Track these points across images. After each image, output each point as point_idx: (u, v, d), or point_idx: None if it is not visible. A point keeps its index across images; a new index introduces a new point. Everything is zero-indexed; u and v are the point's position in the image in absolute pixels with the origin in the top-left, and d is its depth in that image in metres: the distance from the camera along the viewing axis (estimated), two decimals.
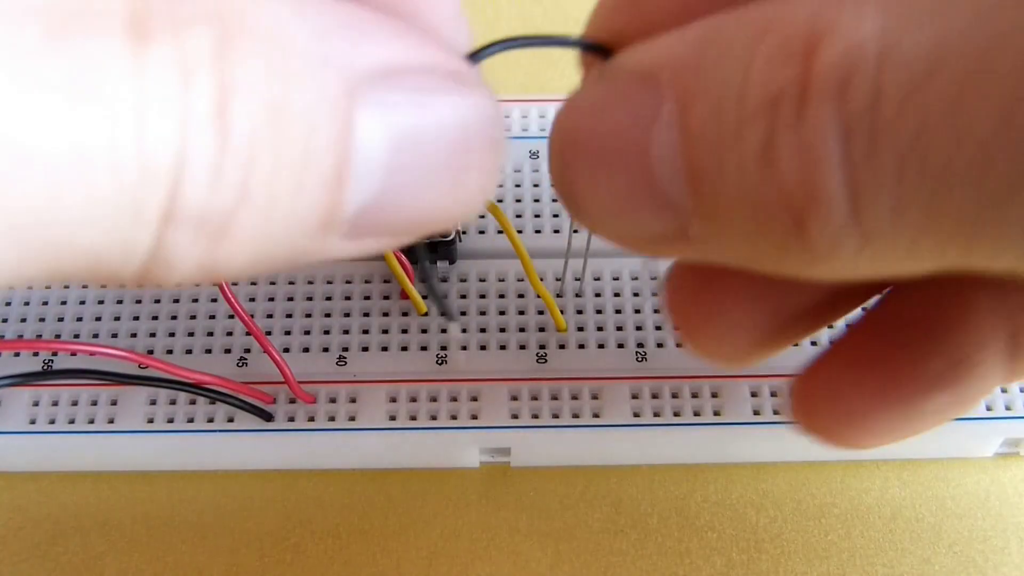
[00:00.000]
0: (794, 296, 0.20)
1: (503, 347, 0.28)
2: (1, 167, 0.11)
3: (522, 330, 0.28)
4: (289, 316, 0.28)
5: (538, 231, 0.29)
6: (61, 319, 0.28)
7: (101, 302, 0.28)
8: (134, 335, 0.28)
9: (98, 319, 0.28)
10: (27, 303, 0.28)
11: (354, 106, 0.14)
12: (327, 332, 0.28)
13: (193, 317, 0.28)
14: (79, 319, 0.28)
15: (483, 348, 0.27)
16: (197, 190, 0.12)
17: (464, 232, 0.29)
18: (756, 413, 0.27)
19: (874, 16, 0.13)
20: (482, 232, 0.29)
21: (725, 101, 0.14)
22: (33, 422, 0.26)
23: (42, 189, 0.11)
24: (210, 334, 0.28)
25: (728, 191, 0.15)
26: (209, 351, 0.28)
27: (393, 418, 0.27)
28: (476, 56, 0.16)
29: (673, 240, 0.16)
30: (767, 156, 0.14)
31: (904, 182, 0.13)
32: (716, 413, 0.27)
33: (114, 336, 0.28)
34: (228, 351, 0.28)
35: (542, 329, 0.28)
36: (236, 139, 0.13)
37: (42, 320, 0.28)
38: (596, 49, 0.17)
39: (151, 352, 0.28)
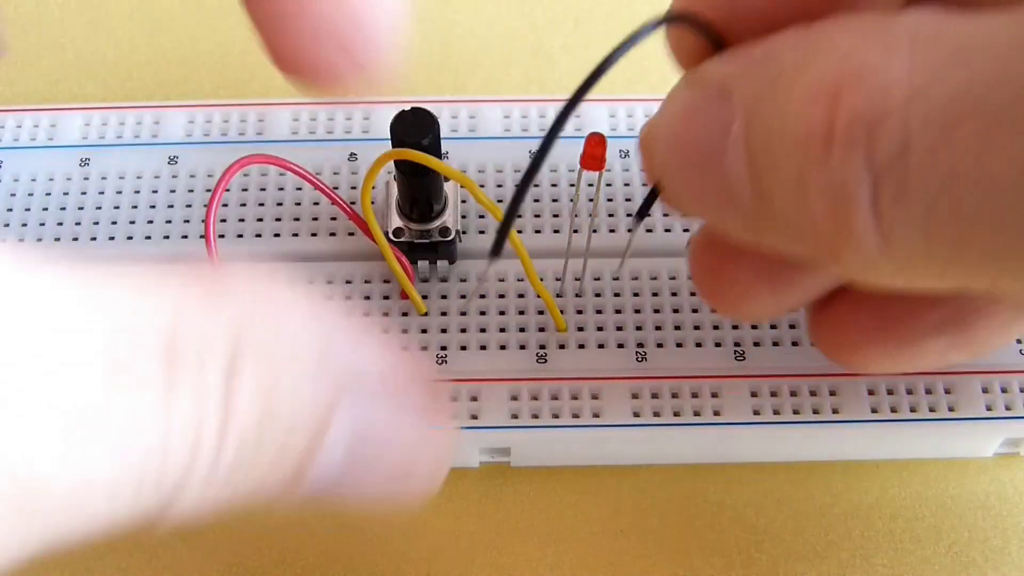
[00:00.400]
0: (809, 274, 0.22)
1: (503, 347, 0.28)
2: (64, 486, 0.14)
3: (522, 330, 0.28)
4: None
5: (538, 231, 0.29)
6: None
7: None
8: None
9: None
10: None
11: (333, 411, 0.17)
12: None
13: None
14: None
15: (483, 348, 0.28)
16: (193, 492, 0.15)
17: (464, 232, 0.29)
18: (756, 413, 0.27)
19: (902, 60, 0.14)
20: (482, 232, 0.29)
21: (772, 131, 0.16)
22: None
23: (68, 505, 0.14)
24: None
25: (778, 209, 0.17)
26: None
27: None
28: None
29: (744, 231, 0.18)
30: (800, 189, 0.16)
31: (933, 223, 0.14)
32: (716, 413, 0.27)
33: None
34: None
35: (542, 329, 0.28)
36: (230, 448, 0.15)
37: None
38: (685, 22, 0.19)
39: None
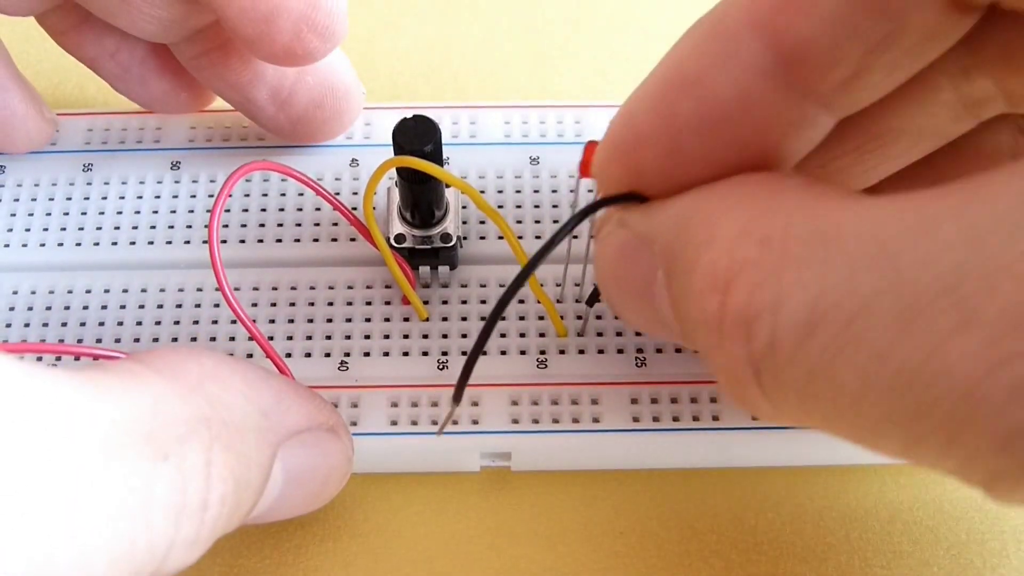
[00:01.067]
0: None
1: (503, 352, 0.28)
2: (70, 558, 0.16)
3: (522, 335, 0.28)
4: (291, 321, 0.28)
5: (538, 237, 0.30)
6: (64, 323, 0.28)
7: (105, 307, 0.29)
8: (137, 340, 0.28)
9: (101, 324, 0.28)
10: (31, 308, 0.29)
11: (275, 459, 0.21)
12: (329, 337, 0.28)
13: (196, 322, 0.28)
14: (82, 324, 0.28)
15: (484, 353, 0.28)
16: (179, 553, 0.18)
17: (465, 238, 0.29)
18: (754, 418, 0.27)
19: (774, 256, 0.17)
20: (483, 238, 0.29)
21: (685, 298, 0.19)
22: None
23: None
24: (213, 339, 0.28)
25: (699, 347, 0.19)
26: None
27: (394, 423, 0.27)
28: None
29: (679, 343, 0.22)
30: (708, 357, 0.18)
31: (805, 405, 0.17)
32: (715, 418, 0.27)
33: (117, 341, 0.28)
34: (230, 356, 0.28)
35: (542, 335, 0.28)
36: (210, 517, 0.19)
37: (45, 325, 0.28)
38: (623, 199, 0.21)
39: None
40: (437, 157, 0.26)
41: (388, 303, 0.29)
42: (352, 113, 0.30)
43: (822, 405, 0.16)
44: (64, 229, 0.30)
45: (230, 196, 0.30)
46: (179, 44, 0.28)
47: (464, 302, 0.29)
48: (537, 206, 0.30)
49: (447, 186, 0.28)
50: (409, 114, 0.26)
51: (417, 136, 0.25)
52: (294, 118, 0.29)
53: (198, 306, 0.29)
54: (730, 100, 0.19)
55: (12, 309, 0.29)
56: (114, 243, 0.30)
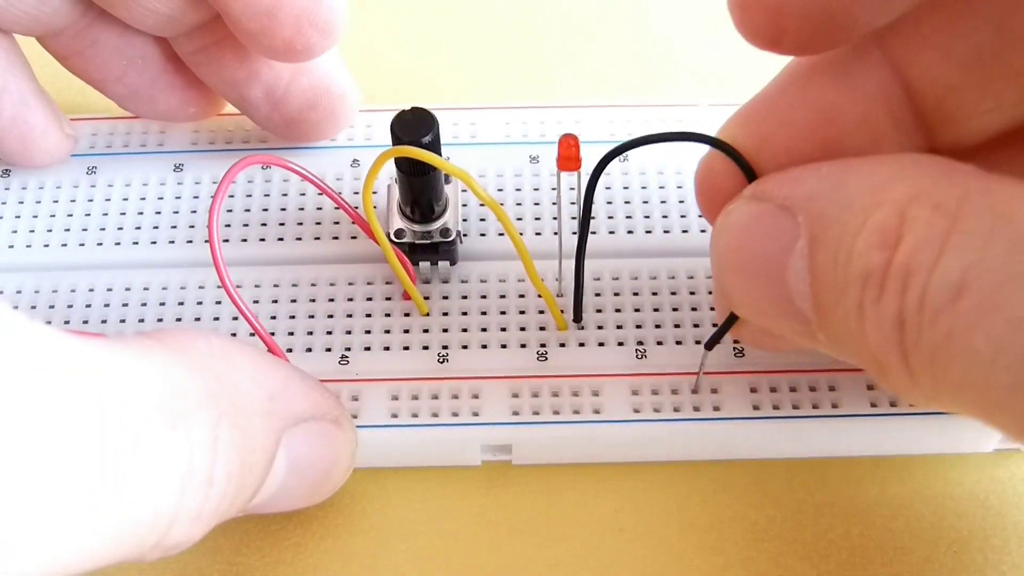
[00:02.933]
0: None
1: (504, 346, 0.28)
2: (77, 516, 0.16)
3: (523, 329, 0.28)
4: (293, 317, 0.28)
5: (538, 233, 0.30)
6: (67, 322, 0.29)
7: (107, 305, 0.29)
8: None
9: (104, 322, 0.29)
10: (34, 306, 0.29)
11: (279, 446, 0.21)
12: (330, 332, 0.28)
13: (198, 319, 0.28)
14: (85, 322, 0.29)
15: (484, 347, 0.28)
16: (182, 527, 0.19)
17: (465, 234, 0.29)
18: (755, 408, 0.27)
19: (943, 220, 0.17)
20: (483, 235, 0.30)
21: (839, 257, 0.18)
22: None
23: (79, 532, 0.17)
24: None
25: (838, 324, 0.19)
26: None
27: (395, 416, 0.27)
28: None
29: (803, 337, 0.20)
30: (859, 316, 0.18)
31: (938, 372, 0.17)
32: (716, 408, 0.27)
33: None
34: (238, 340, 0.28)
35: (542, 328, 0.28)
36: (215, 493, 0.19)
37: (49, 323, 0.28)
38: (734, 157, 0.22)
39: None
40: (435, 149, 0.26)
41: (389, 299, 0.29)
42: (346, 116, 0.31)
43: (955, 371, 0.17)
44: (68, 230, 0.30)
45: (231, 196, 0.30)
46: (178, 39, 0.29)
47: (464, 297, 0.29)
48: (537, 203, 0.30)
49: (447, 181, 0.28)
50: (408, 108, 0.26)
51: (415, 127, 0.26)
52: (288, 118, 0.30)
53: (200, 303, 0.29)
54: None
55: (16, 308, 0.29)
56: (117, 243, 0.30)
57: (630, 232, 0.30)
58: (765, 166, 0.22)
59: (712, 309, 0.28)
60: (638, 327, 0.28)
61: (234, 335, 0.28)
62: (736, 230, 0.21)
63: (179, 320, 0.28)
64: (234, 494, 0.20)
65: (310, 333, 0.28)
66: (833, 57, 0.22)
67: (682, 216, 0.30)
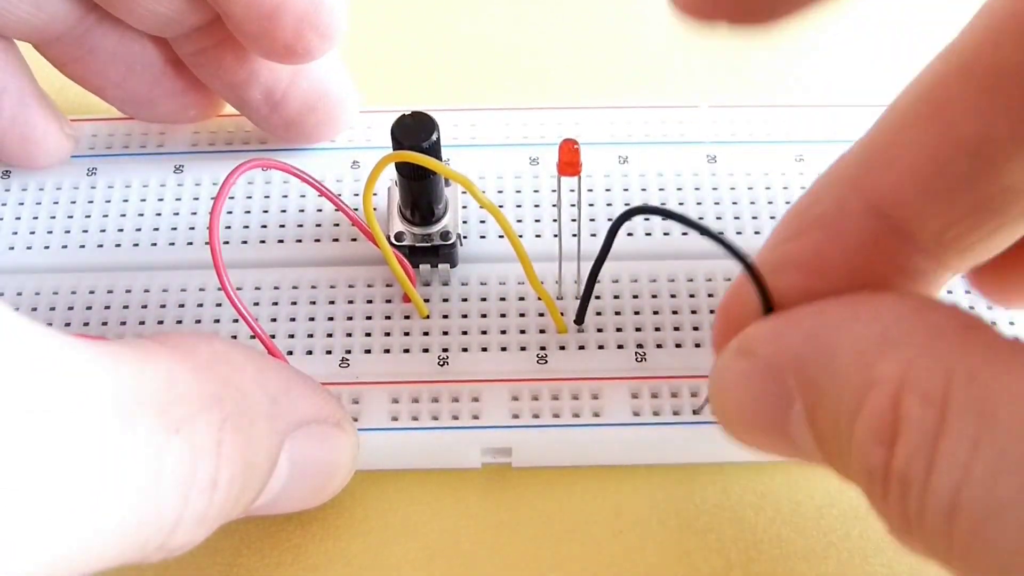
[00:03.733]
0: None
1: (504, 348, 0.28)
2: (81, 519, 0.17)
3: (523, 332, 0.28)
4: (293, 319, 0.28)
5: (538, 236, 0.30)
6: (68, 324, 0.29)
7: (107, 307, 0.29)
8: None
9: (104, 324, 0.29)
10: (34, 308, 0.29)
11: (282, 449, 0.22)
12: (330, 335, 0.28)
13: (198, 321, 0.29)
14: (86, 324, 0.29)
15: (484, 350, 0.28)
16: (185, 530, 0.19)
17: (465, 236, 0.29)
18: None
19: (931, 422, 0.17)
20: (483, 237, 0.30)
21: (840, 432, 0.18)
22: None
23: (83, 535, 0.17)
24: None
25: (849, 477, 0.19)
26: None
27: (395, 419, 0.27)
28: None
29: (811, 464, 0.21)
30: (870, 488, 0.18)
31: (938, 559, 0.18)
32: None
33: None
34: (241, 343, 0.28)
35: (542, 331, 0.28)
36: (219, 497, 0.19)
37: (49, 325, 0.28)
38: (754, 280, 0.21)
39: None
40: (435, 153, 0.26)
41: (389, 301, 0.29)
42: (345, 118, 0.31)
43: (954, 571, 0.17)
44: (68, 232, 0.30)
45: (231, 197, 0.30)
46: (178, 40, 0.29)
47: (464, 300, 0.29)
48: (537, 205, 0.30)
49: (447, 183, 0.28)
50: (408, 112, 0.26)
51: (415, 132, 0.26)
52: (287, 120, 0.30)
53: (200, 306, 0.29)
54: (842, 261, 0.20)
55: (17, 310, 0.29)
56: (117, 245, 0.30)
57: (630, 234, 0.30)
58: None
59: (712, 312, 0.28)
60: (638, 330, 0.28)
61: (234, 337, 0.28)
62: (730, 389, 0.21)
63: (180, 323, 0.29)
64: (237, 497, 0.20)
65: (310, 335, 0.28)
66: None
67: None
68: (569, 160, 0.24)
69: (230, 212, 0.30)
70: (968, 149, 0.19)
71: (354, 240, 0.30)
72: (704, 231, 0.21)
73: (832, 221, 0.20)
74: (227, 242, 0.30)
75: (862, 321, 0.19)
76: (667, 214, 0.21)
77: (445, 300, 0.29)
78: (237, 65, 0.29)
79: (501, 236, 0.29)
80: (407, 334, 0.28)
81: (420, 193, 0.27)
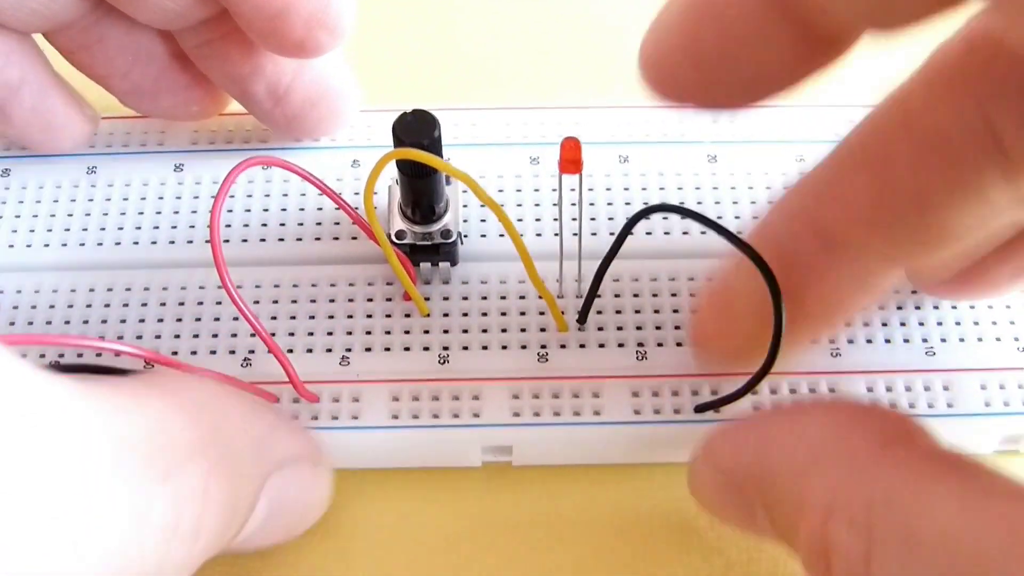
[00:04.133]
0: None
1: (505, 347, 0.28)
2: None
3: (523, 330, 0.28)
4: (293, 318, 0.28)
5: (539, 235, 0.30)
6: (68, 322, 0.29)
7: (108, 305, 0.29)
8: (140, 337, 0.28)
9: (104, 322, 0.29)
10: (35, 307, 0.29)
11: (263, 489, 0.22)
12: (331, 333, 0.28)
13: (199, 319, 0.28)
14: (86, 322, 0.28)
15: (485, 348, 0.28)
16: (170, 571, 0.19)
17: (466, 235, 0.29)
18: (756, 410, 0.27)
19: (858, 551, 0.18)
20: (484, 235, 0.30)
21: (792, 544, 0.21)
22: None
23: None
24: (215, 336, 0.28)
25: None
26: (214, 352, 0.28)
27: (396, 417, 0.27)
28: None
29: None
30: None
31: None
32: (716, 411, 0.27)
33: (120, 338, 0.28)
34: (233, 352, 0.28)
35: (543, 329, 0.28)
36: (201, 545, 0.19)
37: (49, 324, 0.28)
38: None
39: (157, 351, 0.28)
40: (436, 151, 0.26)
41: (389, 299, 0.29)
42: (347, 114, 0.31)
43: None
44: (68, 230, 0.30)
45: (232, 196, 0.30)
46: (183, 33, 0.29)
47: (465, 298, 0.29)
48: (538, 204, 0.30)
49: (448, 182, 0.28)
50: (409, 110, 0.26)
51: (416, 129, 0.26)
52: (290, 115, 0.30)
53: (201, 304, 0.29)
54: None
55: (16, 308, 0.29)
56: (117, 243, 0.30)
57: (631, 233, 0.29)
58: None
59: None
60: (638, 328, 0.28)
61: (235, 336, 0.28)
62: (705, 493, 0.24)
63: (179, 321, 0.28)
64: (216, 541, 0.20)
65: (311, 334, 0.28)
66: None
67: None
68: (571, 158, 0.24)
69: (230, 210, 0.30)
70: (907, 197, 0.21)
71: (354, 238, 0.30)
72: (723, 231, 0.21)
73: (784, 246, 0.23)
74: (227, 240, 0.30)
75: (795, 438, 0.21)
76: (685, 212, 0.22)
77: (446, 298, 0.29)
78: (242, 59, 0.29)
79: (502, 235, 0.29)
80: (408, 332, 0.28)
81: (421, 191, 0.27)
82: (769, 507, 0.21)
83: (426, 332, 0.28)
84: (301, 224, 0.30)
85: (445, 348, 0.28)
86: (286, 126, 0.30)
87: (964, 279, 0.26)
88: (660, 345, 0.28)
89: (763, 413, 0.23)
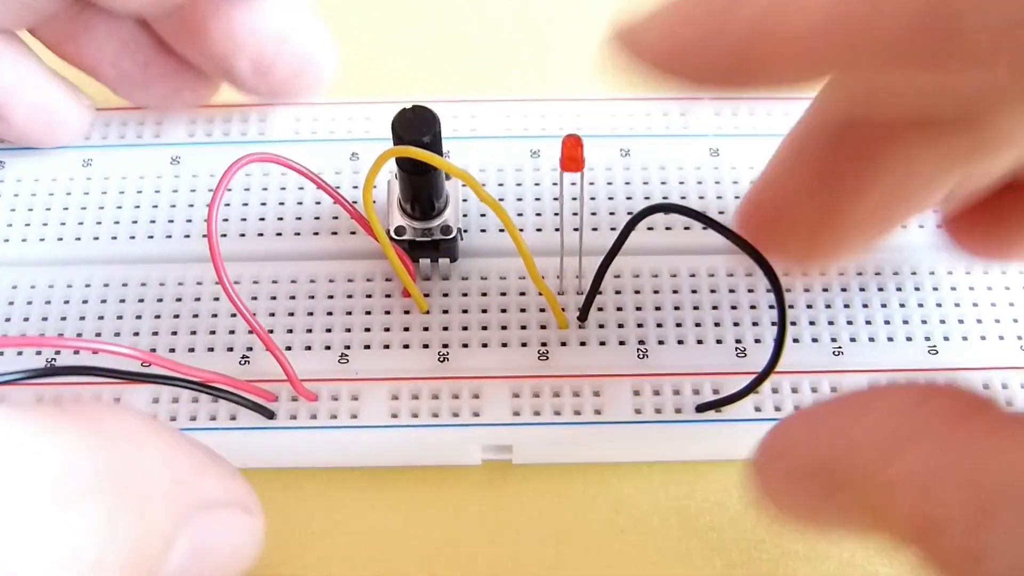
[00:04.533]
0: None
1: (505, 344, 0.28)
2: None
3: (524, 327, 0.28)
4: (291, 315, 0.28)
5: (539, 229, 0.29)
6: (64, 318, 0.28)
7: (104, 301, 0.28)
8: (137, 334, 0.28)
9: (101, 318, 0.28)
10: (30, 302, 0.29)
11: (181, 531, 0.20)
12: (329, 330, 0.28)
13: (196, 316, 0.28)
14: (82, 318, 0.28)
15: (485, 346, 0.28)
16: None
17: (466, 230, 0.29)
18: (757, 410, 0.27)
19: (976, 510, 0.17)
20: (483, 231, 0.29)
21: (875, 523, 0.19)
22: None
23: None
24: (213, 332, 0.28)
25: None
26: (212, 349, 0.28)
27: (395, 416, 0.27)
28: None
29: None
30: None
31: None
32: (718, 410, 0.27)
33: (117, 335, 0.28)
34: (231, 349, 0.28)
35: (543, 327, 0.28)
36: None
37: (45, 319, 0.28)
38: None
39: (154, 350, 0.28)
40: (436, 147, 0.26)
41: (388, 296, 0.28)
42: (329, 78, 0.31)
43: None
44: (63, 224, 0.30)
45: (229, 190, 0.30)
46: (158, 20, 0.28)
47: (465, 295, 0.28)
48: (538, 199, 0.30)
49: (447, 178, 0.28)
50: (409, 106, 0.26)
51: (416, 126, 0.25)
52: (275, 86, 0.30)
53: (198, 300, 0.28)
54: None
55: (12, 304, 0.29)
56: (114, 237, 0.30)
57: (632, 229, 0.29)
58: None
59: (716, 308, 0.28)
60: (640, 326, 0.28)
61: (232, 333, 0.28)
62: (772, 488, 0.22)
63: (176, 317, 0.28)
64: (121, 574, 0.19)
65: (308, 330, 0.28)
66: None
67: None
68: (572, 155, 0.24)
69: (228, 204, 0.30)
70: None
71: (353, 233, 0.29)
72: (725, 231, 0.21)
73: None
74: (224, 235, 0.29)
75: (874, 421, 0.20)
76: (686, 212, 0.22)
77: (445, 295, 0.28)
78: (222, 39, 0.28)
79: (502, 230, 0.29)
80: (407, 329, 0.28)
81: (420, 187, 0.27)
82: (850, 492, 0.20)
83: (425, 329, 0.28)
84: (299, 219, 0.30)
85: (445, 346, 0.28)
86: (271, 96, 0.31)
87: (995, 231, 0.26)
88: (661, 343, 0.28)
89: (833, 400, 0.22)
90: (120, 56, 0.29)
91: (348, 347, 0.28)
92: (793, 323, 0.28)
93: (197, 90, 0.31)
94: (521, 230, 0.29)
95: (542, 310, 0.28)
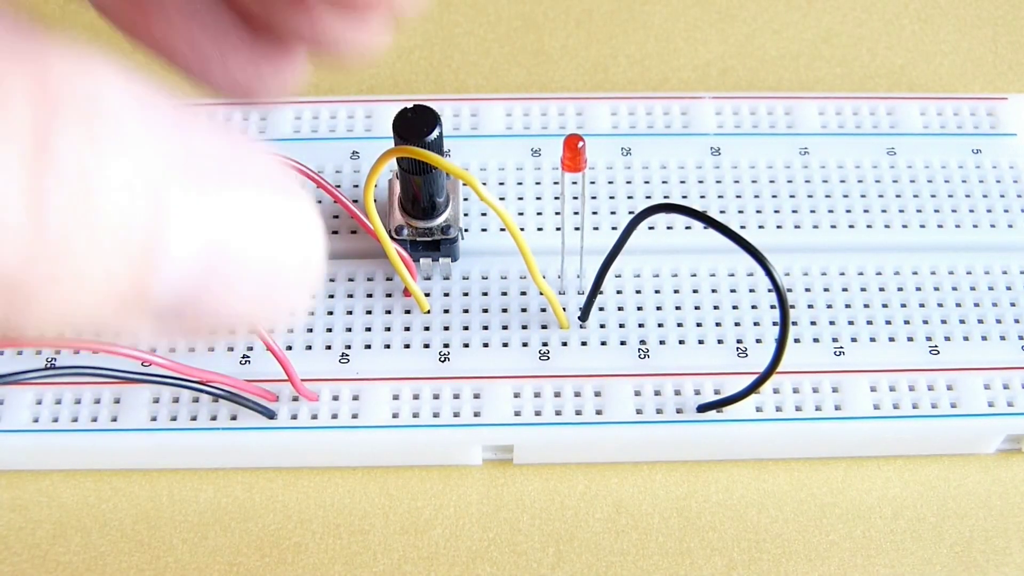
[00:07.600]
0: None
1: (505, 344, 0.28)
2: None
3: (525, 327, 0.28)
4: (291, 315, 0.28)
5: (540, 228, 0.29)
6: None
7: None
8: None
9: None
10: None
11: (169, 191, 0.13)
12: (330, 330, 0.28)
13: None
14: None
15: (486, 345, 0.28)
16: (4, 259, 0.12)
17: (467, 230, 0.29)
18: (758, 410, 0.27)
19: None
20: (484, 230, 0.29)
21: None
22: (36, 420, 0.26)
23: None
24: (211, 332, 0.28)
25: None
26: (212, 349, 0.28)
27: (396, 416, 0.27)
28: None
29: None
30: None
31: None
32: (719, 411, 0.27)
33: (116, 335, 0.28)
34: (231, 349, 0.28)
35: (545, 327, 0.28)
36: (47, 215, 0.12)
37: None
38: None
39: (154, 350, 0.28)
40: (437, 147, 0.25)
41: (389, 295, 0.28)
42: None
43: None
44: None
45: None
46: None
47: (466, 294, 0.28)
48: (539, 198, 0.30)
49: (448, 177, 0.28)
50: (410, 106, 0.26)
51: (417, 126, 0.25)
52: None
53: None
54: None
55: None
56: None
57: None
58: None
59: (717, 308, 0.28)
60: (640, 326, 0.28)
61: (232, 333, 0.28)
62: None
63: None
64: (101, 258, 0.13)
65: (309, 330, 0.28)
66: None
67: None
68: (573, 156, 0.24)
69: None
70: None
71: (353, 233, 0.29)
72: (726, 231, 0.21)
73: None
74: None
75: None
76: (687, 212, 0.22)
77: (446, 295, 0.28)
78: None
79: (503, 230, 0.29)
80: (408, 329, 0.28)
81: (421, 187, 0.27)
82: None
83: (426, 329, 0.28)
84: None
85: (446, 346, 0.28)
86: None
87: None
88: (662, 343, 0.28)
89: None
90: (192, 31, 0.27)
91: (349, 347, 0.28)
92: (794, 323, 0.28)
93: (278, 64, 0.28)
94: (522, 229, 0.29)
95: (543, 310, 0.28)
